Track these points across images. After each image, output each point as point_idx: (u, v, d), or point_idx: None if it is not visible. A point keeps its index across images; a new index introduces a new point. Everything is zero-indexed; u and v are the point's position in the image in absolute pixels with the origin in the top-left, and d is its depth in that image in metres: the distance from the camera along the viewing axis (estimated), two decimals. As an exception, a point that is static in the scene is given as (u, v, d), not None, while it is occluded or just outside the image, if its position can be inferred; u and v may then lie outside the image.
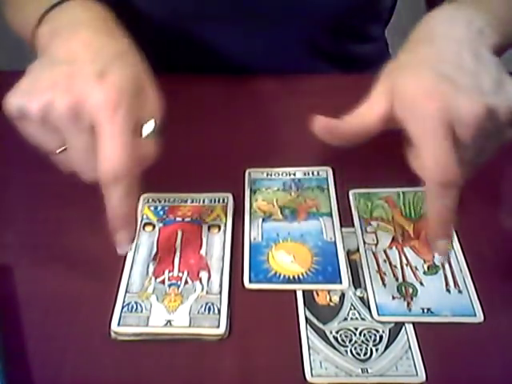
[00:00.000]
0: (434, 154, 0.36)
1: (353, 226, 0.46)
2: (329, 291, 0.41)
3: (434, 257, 0.43)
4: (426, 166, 0.36)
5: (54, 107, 0.35)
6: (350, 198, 0.48)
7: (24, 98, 0.36)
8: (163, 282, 0.42)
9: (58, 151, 0.38)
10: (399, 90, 0.38)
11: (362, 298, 0.41)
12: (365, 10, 0.62)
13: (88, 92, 0.35)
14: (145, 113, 0.38)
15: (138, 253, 0.44)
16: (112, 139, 0.35)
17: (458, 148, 0.36)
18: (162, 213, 0.47)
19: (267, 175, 0.50)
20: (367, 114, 0.39)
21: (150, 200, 0.48)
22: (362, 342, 0.38)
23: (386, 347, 0.38)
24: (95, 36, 0.38)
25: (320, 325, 0.39)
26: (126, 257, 0.43)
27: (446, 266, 0.42)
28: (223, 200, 0.47)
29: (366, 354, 0.37)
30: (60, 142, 0.37)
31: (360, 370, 0.37)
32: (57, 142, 0.38)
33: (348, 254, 0.43)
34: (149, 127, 0.38)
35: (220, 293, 0.40)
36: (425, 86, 0.37)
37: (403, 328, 0.39)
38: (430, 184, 0.37)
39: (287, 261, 0.43)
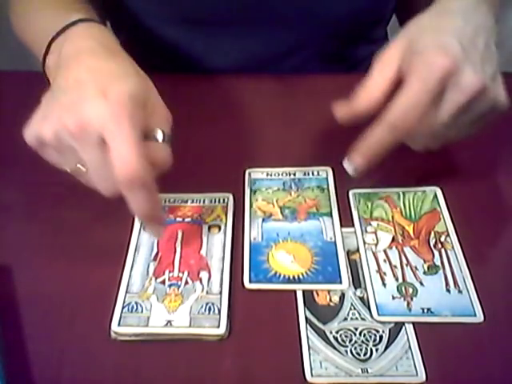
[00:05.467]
0: (408, 97, 0.38)
1: (353, 226, 0.46)
2: (329, 291, 0.41)
3: (433, 257, 0.43)
4: (394, 103, 0.39)
5: (64, 129, 0.37)
6: (350, 198, 0.48)
7: (38, 127, 0.39)
8: (163, 282, 0.42)
9: (75, 169, 0.40)
10: (416, 43, 0.40)
11: (361, 298, 0.41)
12: (372, 13, 0.62)
13: (92, 109, 0.37)
14: (153, 123, 0.39)
15: (139, 253, 0.44)
16: (122, 144, 0.36)
17: (432, 110, 0.39)
18: (162, 213, 0.47)
19: (267, 175, 0.50)
20: (379, 83, 0.41)
21: (150, 200, 0.48)
22: (362, 341, 0.38)
23: (386, 347, 0.38)
24: (97, 62, 0.40)
25: (320, 325, 0.39)
26: (126, 257, 0.43)
27: (446, 265, 0.42)
28: (223, 200, 0.47)
29: (366, 353, 0.37)
30: (78, 162, 0.39)
31: (360, 370, 0.37)
32: (75, 162, 0.40)
33: (348, 253, 0.43)
34: (158, 137, 0.39)
35: (220, 293, 0.40)
36: (442, 44, 0.39)
37: (403, 328, 0.39)
38: (385, 117, 0.39)
39: (287, 261, 0.43)
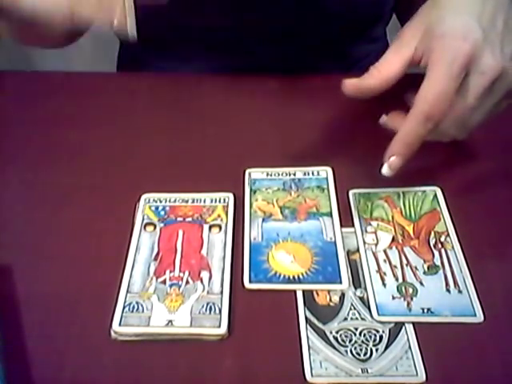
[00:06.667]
0: (436, 85, 0.39)
1: (353, 226, 0.46)
2: (329, 291, 0.41)
3: (433, 257, 0.43)
4: (422, 93, 0.39)
5: None
6: (350, 198, 0.48)
7: None
8: (164, 282, 0.42)
9: None
10: (434, 25, 0.40)
11: (361, 298, 0.41)
12: (371, 9, 0.63)
13: None
14: None
15: (139, 253, 0.44)
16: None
17: (457, 95, 0.39)
18: (163, 213, 0.47)
19: (267, 175, 0.50)
20: (393, 63, 0.41)
21: (151, 200, 0.48)
22: (362, 341, 0.38)
23: (386, 347, 0.38)
24: None
25: (320, 325, 0.39)
26: (127, 257, 0.43)
27: (446, 265, 0.42)
28: (224, 200, 0.47)
29: (366, 353, 0.37)
30: None
31: (360, 370, 0.37)
32: None
33: (348, 253, 0.43)
34: None
35: (221, 293, 0.40)
36: (462, 27, 0.39)
37: (403, 328, 0.39)
38: (415, 109, 0.40)
39: (287, 261, 0.43)
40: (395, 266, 0.42)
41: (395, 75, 0.41)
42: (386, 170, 0.42)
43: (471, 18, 0.40)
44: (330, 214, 0.46)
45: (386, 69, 0.41)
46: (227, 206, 0.47)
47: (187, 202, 0.48)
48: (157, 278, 0.42)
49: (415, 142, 0.41)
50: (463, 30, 0.39)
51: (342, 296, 0.41)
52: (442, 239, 0.44)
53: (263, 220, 0.46)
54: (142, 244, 0.44)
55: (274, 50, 0.62)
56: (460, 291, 0.40)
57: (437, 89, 0.39)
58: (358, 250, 0.44)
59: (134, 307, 0.40)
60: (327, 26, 0.61)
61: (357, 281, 0.42)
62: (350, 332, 0.39)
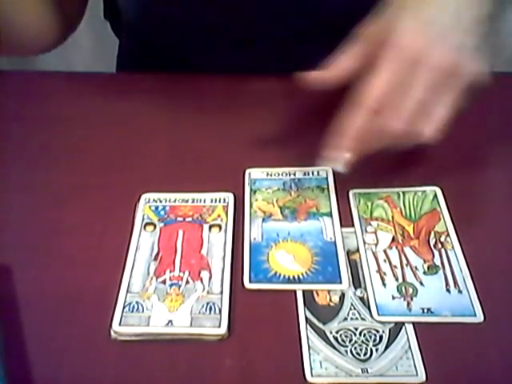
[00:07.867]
0: (380, 79, 0.39)
1: (353, 226, 0.46)
2: (329, 291, 0.41)
3: (433, 257, 0.43)
4: (366, 87, 0.40)
5: None
6: (350, 198, 0.48)
7: None
8: (164, 281, 0.42)
9: None
10: (391, 26, 0.40)
11: (362, 298, 0.41)
12: (370, 10, 0.62)
13: None
14: None
15: (139, 253, 0.44)
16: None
17: (406, 90, 0.39)
18: (162, 213, 0.47)
19: (267, 175, 0.50)
20: (349, 58, 0.43)
21: (151, 200, 0.48)
22: (362, 341, 0.38)
23: (386, 347, 0.38)
24: None
25: (320, 325, 0.39)
26: (126, 257, 0.43)
27: (446, 265, 0.42)
28: (224, 200, 0.47)
29: (366, 354, 0.37)
30: None
31: (360, 370, 0.37)
32: None
33: (348, 253, 0.43)
34: None
35: (221, 293, 0.40)
36: (416, 27, 0.39)
37: (403, 328, 0.39)
38: (359, 104, 0.40)
39: (287, 261, 0.43)
40: (395, 266, 0.42)
41: (349, 70, 0.42)
42: (338, 167, 0.43)
43: (431, 16, 0.39)
44: (330, 214, 0.46)
45: (341, 63, 0.42)
46: (227, 205, 0.47)
47: (187, 201, 0.48)
48: (157, 278, 0.42)
49: (364, 136, 0.41)
50: (418, 28, 0.39)
51: (342, 296, 0.41)
52: (442, 239, 0.44)
53: (263, 220, 0.46)
54: (142, 244, 0.44)
55: (273, 47, 0.62)
56: (460, 291, 0.40)
57: (380, 83, 0.39)
58: (357, 250, 0.44)
59: (133, 307, 0.40)
60: (326, 23, 0.61)
61: (357, 281, 0.42)
62: (350, 332, 0.39)
